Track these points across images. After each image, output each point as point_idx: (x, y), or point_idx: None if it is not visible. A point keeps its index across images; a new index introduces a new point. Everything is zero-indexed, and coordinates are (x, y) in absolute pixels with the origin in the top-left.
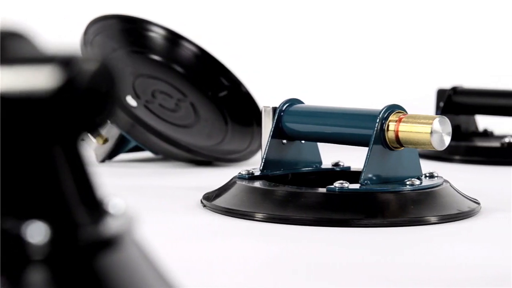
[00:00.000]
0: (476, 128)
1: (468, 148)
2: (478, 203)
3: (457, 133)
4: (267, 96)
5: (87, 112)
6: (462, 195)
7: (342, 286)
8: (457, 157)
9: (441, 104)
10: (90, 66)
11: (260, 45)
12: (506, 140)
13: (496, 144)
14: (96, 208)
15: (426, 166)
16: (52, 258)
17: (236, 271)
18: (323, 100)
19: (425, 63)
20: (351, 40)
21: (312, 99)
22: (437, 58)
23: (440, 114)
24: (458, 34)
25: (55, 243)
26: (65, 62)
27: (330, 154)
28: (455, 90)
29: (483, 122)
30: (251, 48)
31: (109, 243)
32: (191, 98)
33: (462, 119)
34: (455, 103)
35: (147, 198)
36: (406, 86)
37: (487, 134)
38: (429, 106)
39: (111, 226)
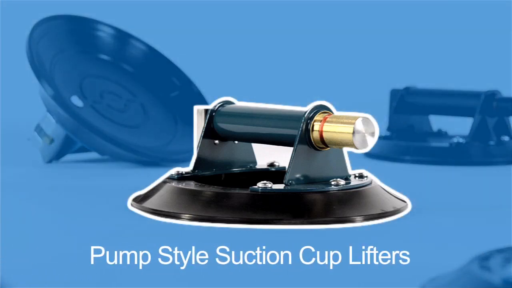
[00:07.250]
0: (430, 128)
1: (418, 148)
2: (406, 203)
3: (410, 133)
4: (218, 96)
5: None
6: (391, 195)
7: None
8: (407, 157)
9: (394, 104)
10: None
11: (212, 44)
12: (455, 140)
13: (446, 144)
14: None
15: (375, 166)
16: None
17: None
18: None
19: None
20: (306, 41)
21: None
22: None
23: (394, 114)
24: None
25: None
26: None
27: (275, 154)
28: (407, 90)
29: (442, 122)
30: (203, 47)
31: None
32: (141, 98)
33: (415, 119)
34: (408, 103)
35: (83, 199)
36: (363, 87)
37: (441, 134)
38: (386, 106)
39: None
